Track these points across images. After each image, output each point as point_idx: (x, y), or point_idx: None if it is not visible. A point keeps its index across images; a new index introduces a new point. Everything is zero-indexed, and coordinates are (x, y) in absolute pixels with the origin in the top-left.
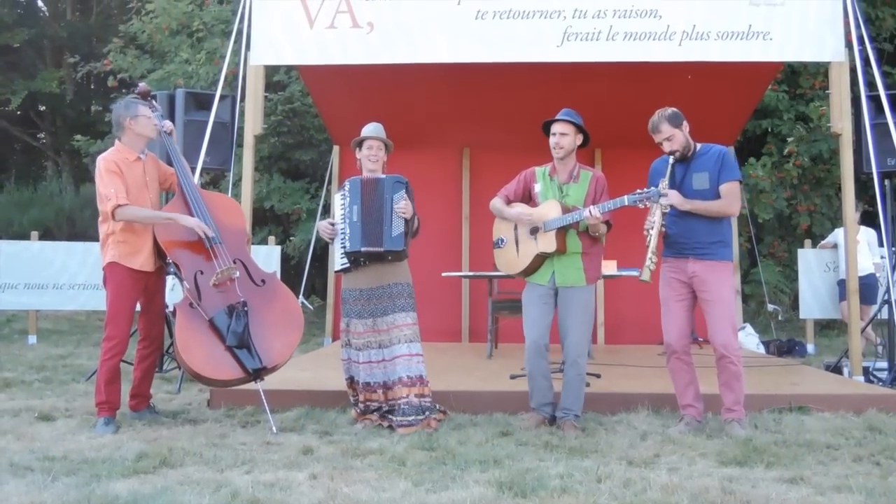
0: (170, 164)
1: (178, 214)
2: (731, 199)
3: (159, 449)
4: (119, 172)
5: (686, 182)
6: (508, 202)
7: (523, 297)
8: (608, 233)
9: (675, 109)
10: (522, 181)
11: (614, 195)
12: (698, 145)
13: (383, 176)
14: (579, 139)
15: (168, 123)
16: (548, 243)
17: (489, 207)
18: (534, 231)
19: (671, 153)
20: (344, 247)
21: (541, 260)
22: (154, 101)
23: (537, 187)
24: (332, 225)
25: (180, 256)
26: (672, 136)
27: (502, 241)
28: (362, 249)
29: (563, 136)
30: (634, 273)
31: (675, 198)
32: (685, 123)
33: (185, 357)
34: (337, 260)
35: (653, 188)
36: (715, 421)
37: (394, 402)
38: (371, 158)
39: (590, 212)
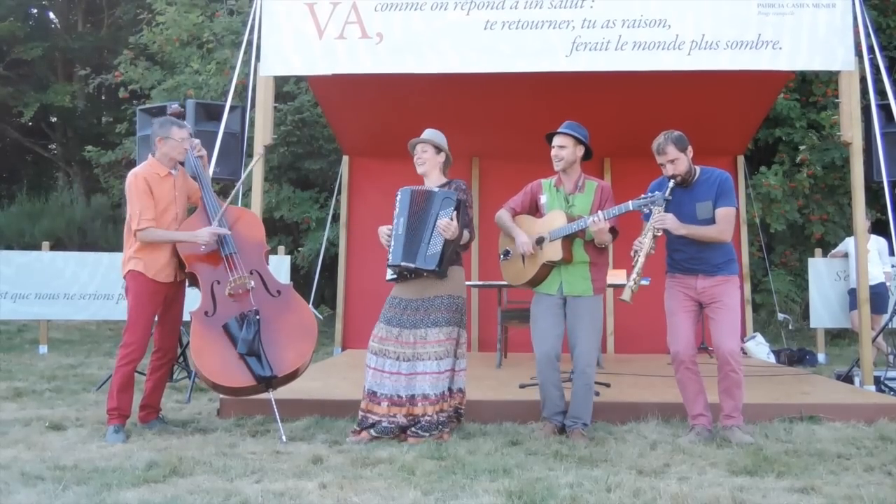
0: (194, 177)
1: (192, 233)
2: (725, 225)
3: (169, 458)
4: (147, 190)
5: (688, 209)
6: (515, 214)
7: (532, 308)
8: (615, 241)
9: (680, 133)
10: (529, 193)
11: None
12: (698, 169)
13: (436, 189)
14: (580, 151)
15: (196, 143)
16: (554, 252)
17: (494, 219)
18: (539, 241)
19: (673, 177)
20: (388, 259)
21: (547, 270)
22: (185, 123)
23: (543, 198)
24: (389, 232)
25: (199, 268)
26: (677, 159)
27: (508, 252)
28: (402, 264)
29: (561, 149)
30: (644, 283)
31: (670, 222)
32: (689, 148)
33: (198, 364)
34: (388, 269)
35: (657, 193)
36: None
37: (413, 418)
38: (417, 162)
39: (595, 218)
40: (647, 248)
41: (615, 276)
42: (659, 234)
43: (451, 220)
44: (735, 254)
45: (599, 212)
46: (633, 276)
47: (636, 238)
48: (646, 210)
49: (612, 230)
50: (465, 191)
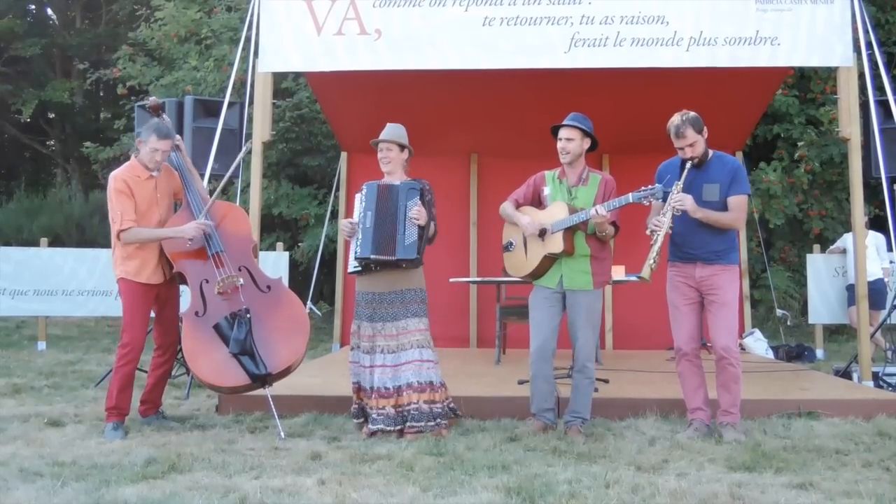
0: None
1: (178, 228)
2: (738, 212)
3: (168, 454)
4: (128, 192)
5: (695, 190)
6: (518, 206)
7: (530, 299)
8: (615, 236)
9: (696, 114)
10: (532, 185)
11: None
12: (711, 152)
13: (398, 182)
14: (587, 143)
15: (177, 137)
16: (555, 244)
17: (499, 212)
18: (542, 233)
19: (690, 159)
20: (356, 252)
21: (549, 262)
22: (164, 115)
23: (546, 190)
24: (352, 224)
25: (186, 267)
26: (695, 142)
27: (511, 244)
28: (371, 257)
29: (569, 142)
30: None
31: (689, 203)
32: (705, 129)
33: (191, 366)
34: (350, 261)
35: (657, 185)
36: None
37: (401, 409)
38: (383, 160)
39: (596, 210)
40: (667, 227)
41: (614, 272)
42: (678, 213)
43: (420, 207)
44: (737, 243)
45: (600, 205)
46: (653, 254)
47: (651, 220)
48: (645, 202)
49: (613, 224)
50: (429, 191)
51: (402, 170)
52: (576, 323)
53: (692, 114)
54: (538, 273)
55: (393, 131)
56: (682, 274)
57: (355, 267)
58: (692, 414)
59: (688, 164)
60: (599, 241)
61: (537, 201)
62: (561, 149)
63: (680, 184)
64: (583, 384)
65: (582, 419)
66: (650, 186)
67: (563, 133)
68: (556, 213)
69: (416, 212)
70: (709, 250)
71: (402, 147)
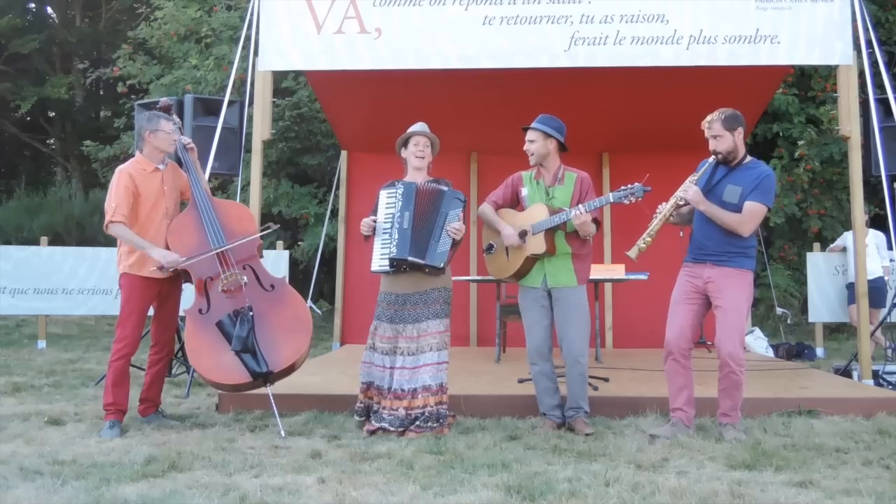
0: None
1: (161, 251)
2: (748, 217)
3: (168, 453)
4: (130, 187)
5: (719, 188)
6: (497, 207)
7: (519, 302)
8: (597, 232)
9: (734, 112)
10: (510, 186)
11: None
12: (748, 158)
13: (446, 189)
14: (551, 144)
15: (186, 139)
16: (537, 245)
17: (478, 213)
18: (522, 234)
19: (714, 153)
20: (390, 252)
21: (531, 263)
22: (175, 116)
23: (524, 191)
24: (374, 222)
25: (191, 264)
26: (720, 136)
27: (492, 246)
28: (409, 259)
29: (530, 143)
30: (643, 277)
31: (692, 193)
32: (740, 129)
33: (193, 363)
34: (376, 260)
35: (636, 184)
36: (712, 425)
37: (412, 411)
38: (418, 154)
39: (577, 210)
40: (666, 212)
41: (613, 271)
42: (682, 202)
43: (461, 223)
44: (753, 250)
45: (581, 205)
46: (645, 236)
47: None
48: (625, 202)
49: (595, 221)
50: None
51: (428, 168)
52: (564, 320)
53: (731, 111)
54: (521, 273)
55: (426, 128)
56: (692, 274)
57: (382, 266)
58: (673, 413)
59: (710, 159)
60: (580, 239)
61: (516, 202)
62: (525, 150)
63: (696, 176)
64: (577, 379)
65: (584, 411)
66: (630, 185)
67: (526, 135)
68: (536, 215)
69: (456, 227)
70: (720, 250)
71: (431, 145)
